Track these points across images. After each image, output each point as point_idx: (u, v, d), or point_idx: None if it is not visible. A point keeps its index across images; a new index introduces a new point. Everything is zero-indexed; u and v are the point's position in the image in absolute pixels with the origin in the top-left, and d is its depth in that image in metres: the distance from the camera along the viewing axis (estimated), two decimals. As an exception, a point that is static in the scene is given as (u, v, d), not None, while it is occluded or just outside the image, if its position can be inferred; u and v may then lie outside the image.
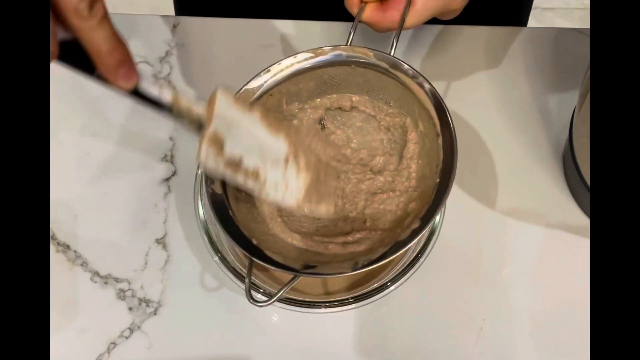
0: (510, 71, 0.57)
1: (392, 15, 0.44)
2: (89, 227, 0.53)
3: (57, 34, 0.34)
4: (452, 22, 0.56)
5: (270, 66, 0.46)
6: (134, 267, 0.51)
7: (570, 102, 0.56)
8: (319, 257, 0.43)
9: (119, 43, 0.36)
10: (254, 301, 0.40)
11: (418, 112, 0.44)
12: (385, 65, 0.44)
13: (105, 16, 0.34)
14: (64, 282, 0.51)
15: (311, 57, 0.45)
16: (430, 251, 0.46)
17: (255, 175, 0.43)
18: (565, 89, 0.56)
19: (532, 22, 0.76)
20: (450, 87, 0.57)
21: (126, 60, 0.36)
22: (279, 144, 0.44)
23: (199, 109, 0.41)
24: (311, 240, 0.44)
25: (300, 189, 0.44)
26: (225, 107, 0.42)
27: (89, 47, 0.35)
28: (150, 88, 0.39)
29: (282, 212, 0.46)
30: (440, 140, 0.43)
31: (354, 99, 0.47)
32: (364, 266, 0.39)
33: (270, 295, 0.45)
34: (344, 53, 0.45)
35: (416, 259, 0.45)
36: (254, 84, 0.45)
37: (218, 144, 0.42)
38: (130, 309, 0.50)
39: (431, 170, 0.43)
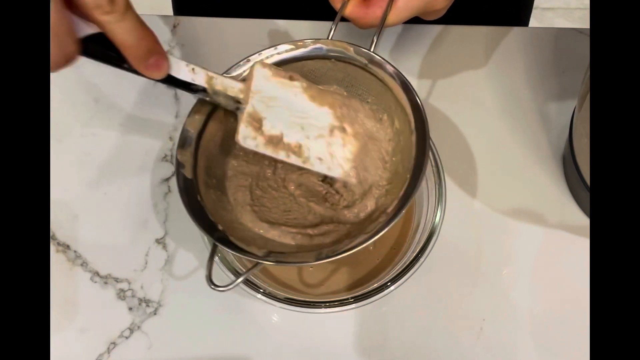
0: (510, 71, 0.57)
1: (374, 12, 0.44)
2: (89, 227, 0.53)
3: (74, 32, 0.34)
4: (452, 22, 0.56)
5: (250, 56, 0.45)
6: (134, 267, 0.51)
7: (570, 102, 0.56)
8: (284, 248, 0.43)
9: (146, 33, 0.35)
10: (214, 286, 0.41)
11: (394, 108, 0.44)
12: (364, 61, 0.44)
13: (129, 8, 0.34)
14: (64, 282, 0.51)
15: (292, 49, 0.45)
16: (430, 251, 0.46)
17: (298, 149, 0.43)
18: (565, 89, 0.56)
19: (532, 22, 0.75)
20: (449, 87, 0.57)
21: (155, 50, 0.36)
22: (323, 115, 0.43)
23: (235, 88, 0.41)
24: (279, 231, 0.44)
25: (346, 159, 0.44)
26: (263, 82, 0.41)
27: (115, 40, 0.35)
28: (182, 73, 0.39)
29: (254, 202, 0.46)
30: (414, 137, 0.42)
31: None
32: (327, 257, 0.40)
33: (270, 295, 0.45)
34: (324, 47, 0.45)
35: (416, 259, 0.45)
36: (232, 73, 0.45)
37: (257, 122, 0.41)
38: (130, 309, 0.50)
39: (404, 167, 0.43)
